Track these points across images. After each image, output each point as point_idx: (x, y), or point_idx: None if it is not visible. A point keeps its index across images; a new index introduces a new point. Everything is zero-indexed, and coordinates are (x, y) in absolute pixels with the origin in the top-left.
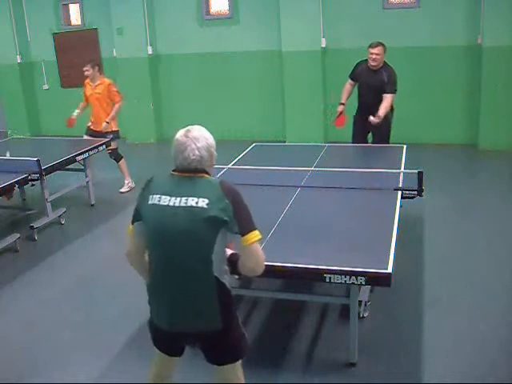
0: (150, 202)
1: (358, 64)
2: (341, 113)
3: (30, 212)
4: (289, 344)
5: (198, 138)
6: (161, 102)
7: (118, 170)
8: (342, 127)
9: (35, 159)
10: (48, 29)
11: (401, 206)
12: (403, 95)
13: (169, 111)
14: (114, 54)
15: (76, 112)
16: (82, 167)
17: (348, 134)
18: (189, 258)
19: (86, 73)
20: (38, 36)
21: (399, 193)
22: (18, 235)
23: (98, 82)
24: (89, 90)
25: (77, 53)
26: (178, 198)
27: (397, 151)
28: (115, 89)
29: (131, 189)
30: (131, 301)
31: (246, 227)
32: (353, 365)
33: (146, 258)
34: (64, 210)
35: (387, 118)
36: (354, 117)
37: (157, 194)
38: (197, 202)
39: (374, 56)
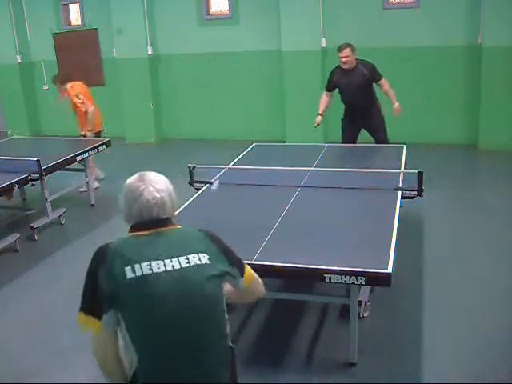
0: (130, 276)
1: (332, 73)
2: (318, 124)
3: (29, 212)
4: (289, 344)
5: (156, 180)
6: (161, 102)
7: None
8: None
9: (35, 159)
10: (48, 29)
11: (401, 206)
12: (403, 95)
13: (169, 111)
14: (114, 53)
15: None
16: (82, 167)
17: None
18: (207, 328)
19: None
20: (38, 36)
21: (399, 193)
22: (18, 235)
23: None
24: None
25: (77, 53)
26: (175, 259)
27: (397, 151)
28: (77, 100)
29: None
30: None
31: (241, 266)
32: (353, 365)
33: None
34: (64, 210)
35: (378, 110)
36: (343, 121)
37: (137, 262)
38: (200, 259)
39: (344, 59)
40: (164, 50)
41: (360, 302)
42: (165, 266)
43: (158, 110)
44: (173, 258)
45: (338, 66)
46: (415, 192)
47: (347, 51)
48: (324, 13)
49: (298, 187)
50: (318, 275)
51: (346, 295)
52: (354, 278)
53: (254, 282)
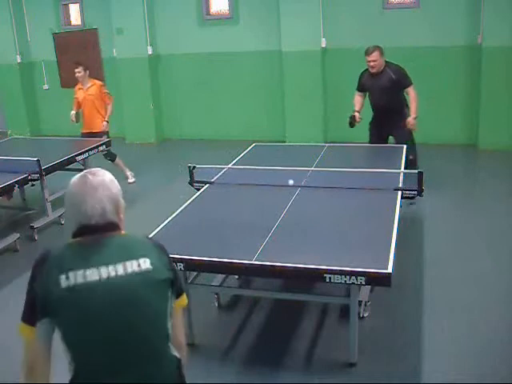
0: (64, 286)
1: (361, 74)
2: (360, 118)
3: (29, 212)
4: (289, 344)
5: (97, 186)
6: (161, 102)
7: (116, 168)
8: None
9: (35, 159)
10: (48, 29)
11: (401, 206)
12: None
13: (169, 111)
14: (114, 53)
15: (72, 112)
16: (82, 167)
17: (348, 134)
18: (148, 339)
19: (78, 74)
20: (37, 36)
21: (399, 193)
22: (18, 235)
23: (90, 84)
24: (81, 94)
25: (77, 53)
26: (111, 267)
27: (397, 151)
28: (106, 90)
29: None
30: None
31: (180, 286)
32: (353, 365)
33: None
34: (64, 209)
35: (405, 119)
36: (370, 125)
37: (72, 270)
38: (139, 265)
39: (371, 63)
40: (164, 49)
41: (360, 301)
42: (99, 274)
43: (158, 110)
44: (109, 265)
45: (368, 68)
46: (415, 192)
47: (375, 55)
48: (324, 13)
49: (298, 187)
50: (318, 275)
51: (346, 295)
52: (354, 278)
53: (180, 317)
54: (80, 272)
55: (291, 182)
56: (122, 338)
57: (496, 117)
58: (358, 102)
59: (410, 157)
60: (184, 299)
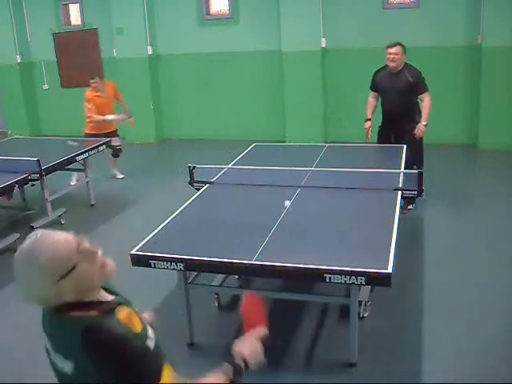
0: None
1: (376, 72)
2: (368, 129)
3: (29, 212)
4: (289, 344)
5: (21, 273)
6: (161, 102)
7: (112, 164)
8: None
9: (35, 159)
10: (48, 29)
11: (401, 207)
12: None
13: (169, 111)
14: (114, 53)
15: (111, 117)
16: (82, 167)
17: (348, 135)
18: None
19: (95, 85)
20: (37, 36)
21: (399, 193)
22: (18, 235)
23: (106, 87)
24: (100, 100)
25: (77, 53)
26: (53, 352)
27: (397, 151)
28: None
29: None
30: (131, 298)
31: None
32: (353, 365)
33: None
34: (64, 210)
35: (416, 123)
36: (379, 128)
37: (43, 329)
38: (63, 366)
39: (392, 56)
40: (164, 49)
41: (360, 301)
42: (50, 349)
43: (158, 110)
44: (52, 349)
45: (384, 67)
46: (415, 192)
47: (397, 48)
48: (324, 13)
49: (298, 187)
50: (318, 275)
51: (346, 295)
52: (353, 278)
53: None
54: (47, 338)
55: (287, 202)
56: None
57: (496, 117)
58: (371, 106)
59: (414, 167)
60: None
